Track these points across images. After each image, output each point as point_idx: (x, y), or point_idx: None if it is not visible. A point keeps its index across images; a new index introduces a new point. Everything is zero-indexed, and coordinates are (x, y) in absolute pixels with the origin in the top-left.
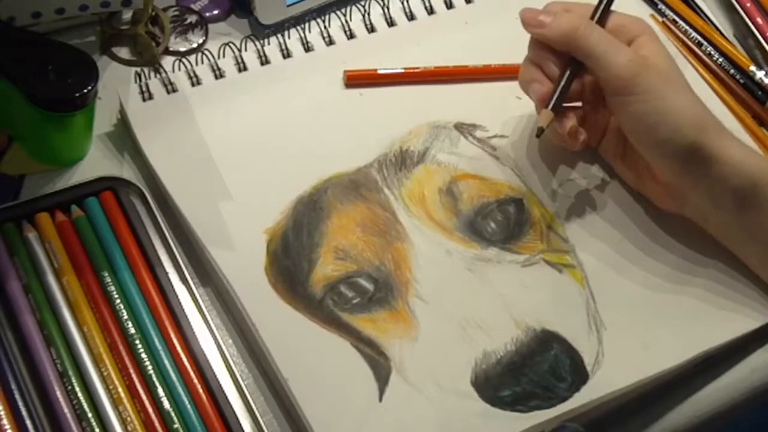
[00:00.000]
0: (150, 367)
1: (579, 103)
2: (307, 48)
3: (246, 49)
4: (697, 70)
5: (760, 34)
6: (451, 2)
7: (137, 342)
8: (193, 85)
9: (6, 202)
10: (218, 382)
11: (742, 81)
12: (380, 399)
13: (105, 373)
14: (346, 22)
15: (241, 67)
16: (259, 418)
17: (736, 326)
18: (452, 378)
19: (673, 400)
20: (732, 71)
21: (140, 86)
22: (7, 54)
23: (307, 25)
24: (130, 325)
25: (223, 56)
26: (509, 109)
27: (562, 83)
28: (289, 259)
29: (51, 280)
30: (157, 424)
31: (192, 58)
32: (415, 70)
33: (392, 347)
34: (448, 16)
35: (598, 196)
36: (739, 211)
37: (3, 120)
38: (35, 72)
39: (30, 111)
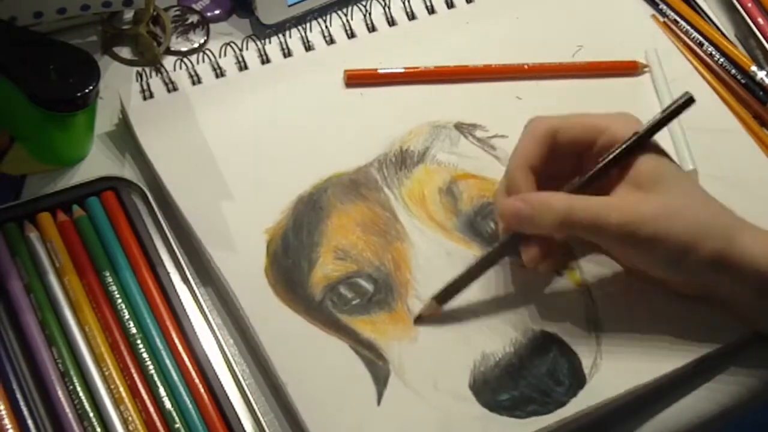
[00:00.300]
0: (151, 367)
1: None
2: (308, 47)
3: (247, 48)
4: (698, 70)
5: (762, 34)
6: (451, 2)
7: (139, 342)
8: (193, 83)
9: (7, 201)
10: (219, 382)
11: (743, 81)
12: (379, 402)
13: (106, 373)
14: (347, 21)
15: (242, 66)
16: (261, 418)
17: (735, 330)
18: (451, 381)
19: (672, 400)
20: (733, 71)
21: (141, 85)
22: (8, 54)
23: (308, 24)
24: (132, 324)
25: (224, 56)
26: (509, 109)
27: (457, 281)
28: (289, 260)
29: (52, 279)
30: (158, 423)
31: (193, 57)
32: (416, 70)
33: (391, 349)
34: (449, 15)
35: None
36: (761, 300)
37: (4, 120)
38: (37, 72)
39: (31, 111)
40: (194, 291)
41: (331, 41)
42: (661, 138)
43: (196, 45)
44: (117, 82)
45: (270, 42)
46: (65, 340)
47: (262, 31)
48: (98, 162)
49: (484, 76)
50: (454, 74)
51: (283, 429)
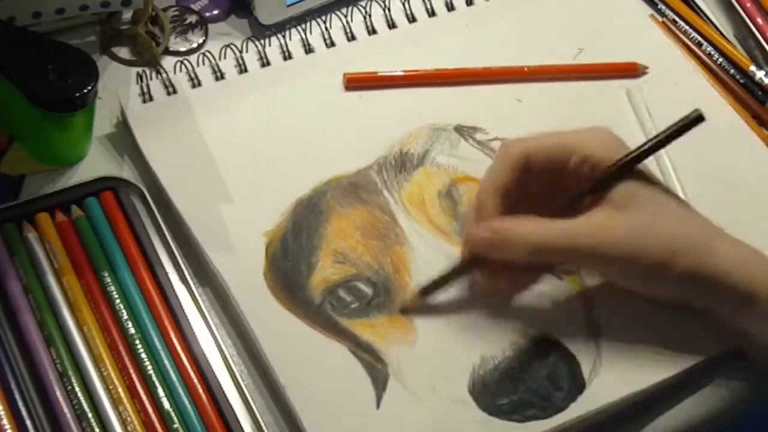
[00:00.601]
0: (150, 367)
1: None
2: (308, 50)
3: (247, 51)
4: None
5: (761, 34)
6: (451, 4)
7: (137, 342)
8: (193, 86)
9: (6, 202)
10: (218, 383)
11: (742, 81)
12: (378, 406)
13: (105, 373)
14: (347, 23)
15: (242, 68)
16: (259, 419)
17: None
18: (450, 384)
19: (671, 405)
20: (732, 71)
21: (141, 87)
22: (7, 54)
23: (308, 26)
24: (130, 325)
25: (224, 57)
26: (510, 111)
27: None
28: (288, 263)
29: (51, 280)
30: (157, 424)
31: (193, 59)
32: (415, 73)
33: (390, 352)
34: (449, 18)
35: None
36: (738, 314)
37: (3, 120)
38: (35, 72)
39: (30, 111)
40: (193, 291)
41: (331, 44)
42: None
43: (194, 45)
44: (116, 83)
45: (270, 44)
46: (64, 341)
47: (260, 32)
48: (97, 162)
49: (483, 78)
50: (453, 77)
51: (282, 429)
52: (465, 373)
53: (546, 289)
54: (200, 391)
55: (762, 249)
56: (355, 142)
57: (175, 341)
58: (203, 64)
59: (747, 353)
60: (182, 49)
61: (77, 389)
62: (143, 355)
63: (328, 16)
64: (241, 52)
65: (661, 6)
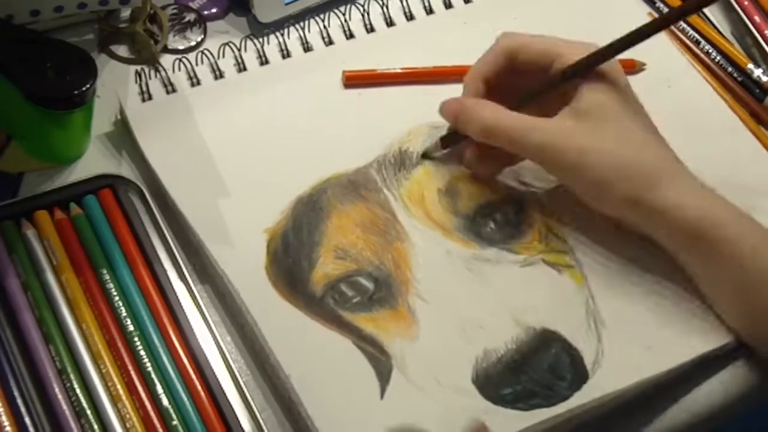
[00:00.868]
0: (148, 364)
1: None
2: (307, 48)
3: (245, 49)
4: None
5: (758, 32)
6: (449, 2)
7: (136, 339)
8: (192, 85)
9: (4, 199)
10: (217, 379)
11: (740, 79)
12: (382, 396)
13: (104, 370)
14: (346, 21)
15: (241, 67)
16: (258, 414)
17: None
18: (453, 376)
19: (671, 398)
20: (730, 69)
21: (140, 86)
22: (5, 52)
23: (306, 24)
24: (129, 322)
25: (223, 56)
26: None
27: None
28: (290, 259)
29: (50, 277)
30: (155, 420)
31: (192, 58)
32: (414, 70)
33: (393, 345)
34: (447, 15)
35: None
36: (688, 254)
37: (1, 118)
38: (34, 70)
39: (28, 109)
40: (191, 288)
41: (329, 42)
42: None
43: (193, 43)
44: (114, 81)
45: (268, 43)
46: (62, 338)
47: (259, 30)
48: (95, 160)
49: None
50: (452, 74)
51: (281, 426)
52: (468, 365)
53: (546, 283)
54: (199, 387)
55: None
56: (355, 141)
57: (173, 338)
58: (202, 62)
59: (752, 345)
60: (181, 47)
61: (76, 386)
62: (142, 352)
63: (327, 14)
64: (239, 50)
65: (659, 4)
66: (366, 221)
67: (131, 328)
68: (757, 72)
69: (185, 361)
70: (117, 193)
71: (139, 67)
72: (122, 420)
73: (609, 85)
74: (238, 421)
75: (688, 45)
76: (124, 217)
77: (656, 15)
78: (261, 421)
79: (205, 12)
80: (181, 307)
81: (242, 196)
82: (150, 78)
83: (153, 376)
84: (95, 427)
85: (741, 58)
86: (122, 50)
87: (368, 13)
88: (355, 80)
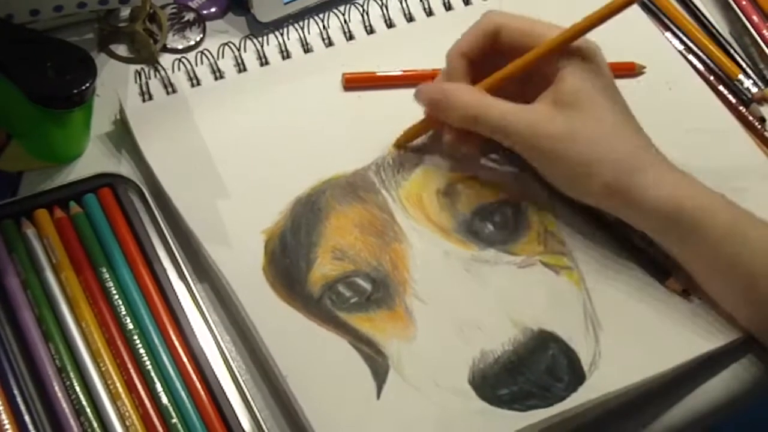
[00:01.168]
0: (148, 363)
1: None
2: (307, 49)
3: (245, 49)
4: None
5: (756, 32)
6: (449, 4)
7: (135, 337)
8: (192, 85)
9: (4, 198)
10: (216, 378)
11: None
12: (378, 396)
13: (103, 369)
14: (345, 22)
15: (241, 68)
16: (257, 413)
17: (734, 329)
18: (450, 377)
19: (670, 399)
20: (721, 75)
21: (140, 86)
22: (5, 51)
23: (306, 25)
24: (129, 320)
25: (223, 56)
26: None
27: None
28: (287, 259)
29: (49, 276)
30: (155, 418)
31: (192, 58)
32: (414, 73)
33: (390, 346)
34: (447, 17)
35: None
36: (667, 239)
37: (1, 117)
38: (33, 69)
39: (28, 108)
40: (191, 287)
41: (329, 43)
42: None
43: (192, 43)
44: (114, 80)
45: (268, 43)
46: (62, 336)
47: (258, 29)
48: (95, 159)
49: None
50: None
51: (280, 425)
52: (465, 366)
53: (544, 285)
54: (198, 386)
55: None
56: (354, 143)
57: (173, 337)
58: (201, 62)
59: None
60: (180, 46)
61: (76, 384)
62: (141, 351)
63: (326, 14)
64: (239, 50)
65: (659, 15)
66: (364, 222)
67: (131, 326)
68: (747, 83)
69: (184, 359)
70: (116, 192)
71: (138, 67)
72: (122, 418)
73: (589, 73)
74: (238, 420)
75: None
76: (124, 216)
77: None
78: (260, 419)
79: (205, 11)
80: (181, 306)
81: (240, 196)
82: (150, 77)
83: (152, 374)
84: (95, 425)
85: (732, 69)
86: (122, 49)
87: (368, 14)
88: (355, 82)
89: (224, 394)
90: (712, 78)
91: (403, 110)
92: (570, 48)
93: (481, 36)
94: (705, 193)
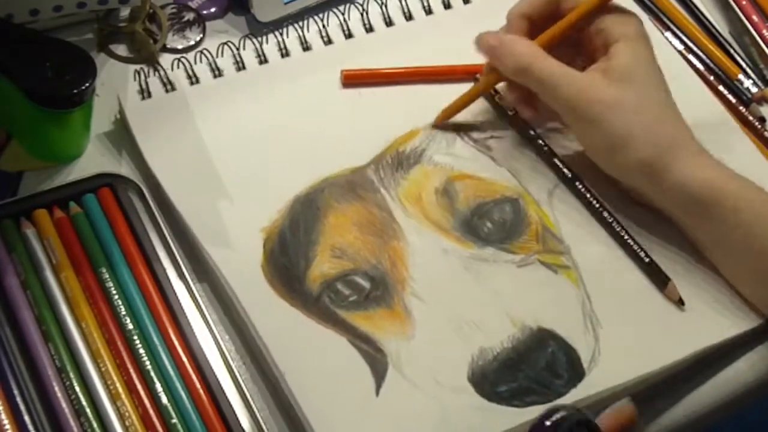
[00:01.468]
0: (148, 363)
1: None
2: (306, 47)
3: (244, 48)
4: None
5: (756, 31)
6: (448, 2)
7: (135, 338)
8: (191, 84)
9: (4, 198)
10: (216, 377)
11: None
12: (377, 394)
13: (103, 369)
14: (345, 20)
15: (240, 66)
16: (257, 413)
17: (732, 326)
18: (449, 374)
19: (673, 396)
20: (721, 75)
21: (139, 84)
22: (5, 51)
23: (305, 23)
24: (128, 320)
25: (222, 55)
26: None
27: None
28: (286, 257)
29: (49, 276)
30: (155, 418)
31: (191, 56)
32: (412, 69)
33: (389, 344)
34: (446, 15)
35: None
36: (697, 222)
37: (1, 117)
38: (33, 69)
39: (28, 108)
40: (190, 287)
41: (328, 41)
42: None
43: (192, 42)
44: (113, 80)
45: (267, 42)
46: (62, 336)
47: (258, 29)
48: (95, 159)
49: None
50: (450, 73)
51: (280, 424)
52: (464, 364)
53: (542, 283)
54: (198, 386)
55: None
56: (353, 141)
57: (172, 337)
58: (201, 61)
59: None
60: (180, 46)
61: (75, 385)
62: (141, 351)
63: (326, 13)
64: (238, 49)
65: (659, 15)
66: (363, 220)
67: (130, 326)
68: (747, 83)
69: (184, 359)
70: (116, 192)
71: (138, 67)
72: (121, 418)
73: (640, 52)
74: (237, 419)
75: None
76: (124, 215)
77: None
78: (260, 419)
79: (204, 11)
80: (181, 305)
81: (240, 194)
82: (149, 76)
83: (152, 374)
84: (94, 425)
85: (731, 69)
86: (121, 49)
87: (367, 13)
88: (353, 79)
89: (224, 394)
90: (711, 78)
91: (402, 108)
92: (623, 26)
93: (544, 1)
94: (739, 177)
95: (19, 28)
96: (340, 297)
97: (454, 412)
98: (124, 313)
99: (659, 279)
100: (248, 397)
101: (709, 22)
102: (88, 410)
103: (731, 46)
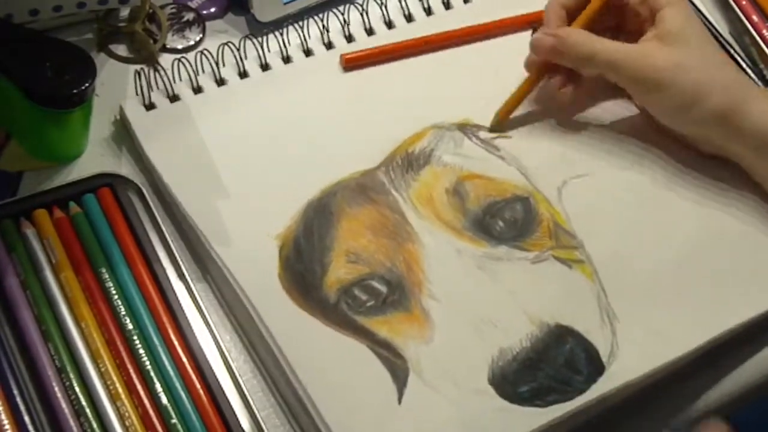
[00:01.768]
0: (147, 363)
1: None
2: (307, 53)
3: (245, 50)
4: None
5: (756, 31)
6: (449, 3)
7: (135, 338)
8: (195, 93)
9: (4, 198)
10: (216, 378)
11: None
12: (399, 401)
13: (103, 369)
14: (345, 23)
15: (242, 74)
16: (257, 413)
17: (747, 309)
18: (469, 377)
19: (699, 381)
20: None
21: (139, 85)
22: (4, 51)
23: (305, 24)
24: (128, 320)
25: (223, 58)
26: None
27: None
28: (302, 264)
29: (49, 276)
30: (154, 418)
31: (192, 60)
32: (412, 41)
33: (408, 348)
34: (446, 16)
35: (603, 192)
36: (761, 160)
37: (1, 117)
38: (33, 69)
39: (28, 108)
40: (190, 287)
41: (329, 46)
42: None
43: (192, 42)
44: (113, 80)
45: (267, 42)
46: (62, 336)
47: (258, 29)
48: (94, 159)
49: (481, 36)
50: (450, 39)
51: (280, 424)
52: (484, 365)
53: (557, 279)
54: (198, 386)
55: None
56: (361, 144)
57: (172, 337)
58: (202, 65)
59: None
60: (179, 46)
61: (75, 385)
62: (141, 351)
63: (326, 14)
64: (238, 50)
65: None
66: (376, 224)
67: (130, 326)
68: None
69: (184, 359)
70: (116, 192)
71: (138, 67)
72: (121, 418)
73: (687, 12)
74: (237, 420)
75: None
76: (123, 216)
77: None
78: (260, 419)
79: (204, 11)
80: (180, 306)
81: (252, 203)
82: (149, 77)
83: (152, 374)
84: (94, 425)
85: None
86: (121, 49)
87: (367, 13)
88: (354, 62)
89: (224, 394)
90: None
91: (409, 109)
92: None
93: None
94: None
95: (19, 28)
96: (357, 303)
97: (477, 416)
98: (123, 313)
99: None
100: (248, 397)
101: (710, 22)
102: (87, 410)
103: (731, 46)
